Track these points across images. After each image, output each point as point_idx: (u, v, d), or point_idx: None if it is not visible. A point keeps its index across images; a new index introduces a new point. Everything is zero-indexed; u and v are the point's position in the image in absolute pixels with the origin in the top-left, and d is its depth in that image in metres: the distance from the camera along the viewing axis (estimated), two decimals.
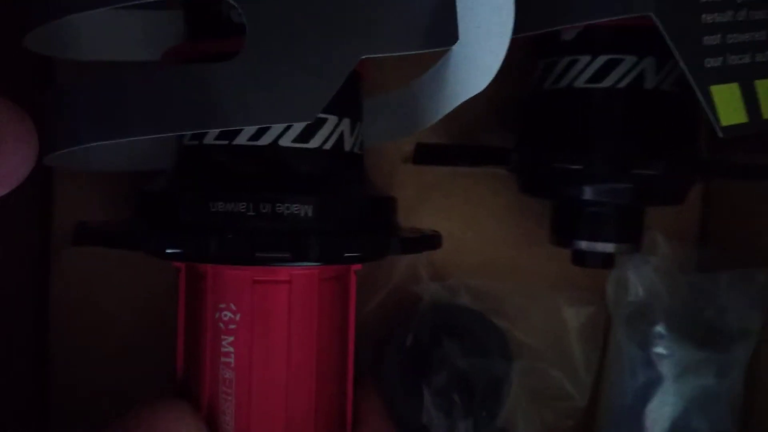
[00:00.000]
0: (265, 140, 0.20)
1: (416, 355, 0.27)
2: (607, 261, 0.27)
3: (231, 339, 0.20)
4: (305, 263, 0.20)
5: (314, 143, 0.20)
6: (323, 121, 0.21)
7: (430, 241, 0.23)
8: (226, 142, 0.20)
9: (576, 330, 0.30)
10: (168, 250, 0.19)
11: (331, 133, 0.21)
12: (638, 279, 0.29)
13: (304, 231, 0.19)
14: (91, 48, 0.23)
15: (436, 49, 0.20)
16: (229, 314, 0.20)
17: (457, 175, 0.30)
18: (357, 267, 0.22)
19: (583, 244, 0.26)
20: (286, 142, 0.20)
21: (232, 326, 0.20)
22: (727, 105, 0.20)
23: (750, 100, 0.20)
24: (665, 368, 0.28)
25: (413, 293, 0.29)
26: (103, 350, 0.27)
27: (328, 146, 0.21)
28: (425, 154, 0.28)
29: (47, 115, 0.19)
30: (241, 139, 0.20)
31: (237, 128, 0.20)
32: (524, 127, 0.27)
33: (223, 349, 0.20)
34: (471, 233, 0.30)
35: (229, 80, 0.18)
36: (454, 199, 0.30)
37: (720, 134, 0.20)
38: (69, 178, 0.27)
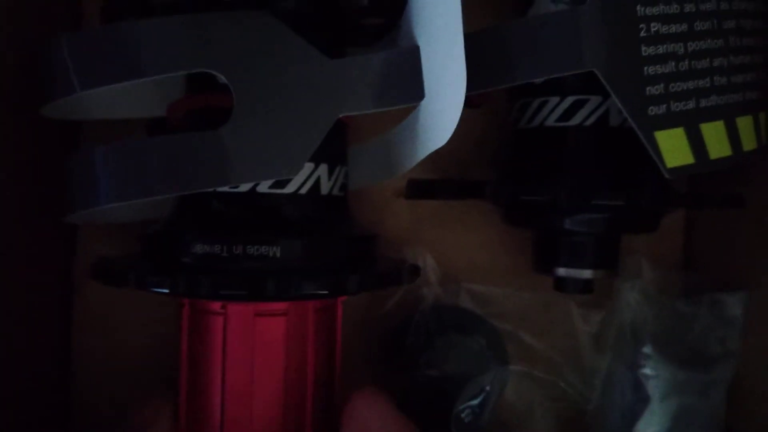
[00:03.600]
0: (244, 187, 0.22)
1: (413, 354, 0.29)
2: (586, 286, 0.28)
3: (209, 365, 0.23)
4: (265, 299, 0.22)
5: (290, 189, 0.23)
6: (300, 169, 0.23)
7: (395, 276, 0.24)
8: (210, 190, 0.23)
9: (586, 333, 0.31)
10: (153, 289, 0.22)
11: (307, 179, 0.23)
12: (626, 304, 0.31)
13: (269, 270, 0.21)
14: (105, 110, 0.26)
15: (406, 106, 0.22)
16: (190, 339, 0.23)
17: (449, 209, 0.32)
18: (316, 305, 0.23)
19: (563, 272, 0.28)
20: (263, 188, 0.22)
21: (207, 354, 0.23)
22: (673, 148, 0.21)
23: (696, 142, 0.22)
24: (652, 388, 0.29)
25: (423, 296, 0.31)
26: (121, 375, 0.30)
27: (303, 191, 0.23)
28: (416, 189, 0.31)
29: (69, 179, 0.22)
30: (223, 187, 0.22)
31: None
32: (503, 163, 0.29)
33: (201, 374, 0.23)
34: (463, 262, 0.32)
35: (221, 145, 0.20)
36: (446, 230, 0.32)
37: (666, 175, 0.22)
38: None
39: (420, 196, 0.31)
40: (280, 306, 0.23)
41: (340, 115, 0.21)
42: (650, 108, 0.21)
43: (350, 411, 0.23)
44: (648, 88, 0.21)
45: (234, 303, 0.22)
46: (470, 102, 0.31)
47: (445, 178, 0.31)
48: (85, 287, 0.30)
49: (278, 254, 0.22)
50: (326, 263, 0.23)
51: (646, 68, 0.21)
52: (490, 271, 0.32)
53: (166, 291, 0.21)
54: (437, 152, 0.31)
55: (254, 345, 0.22)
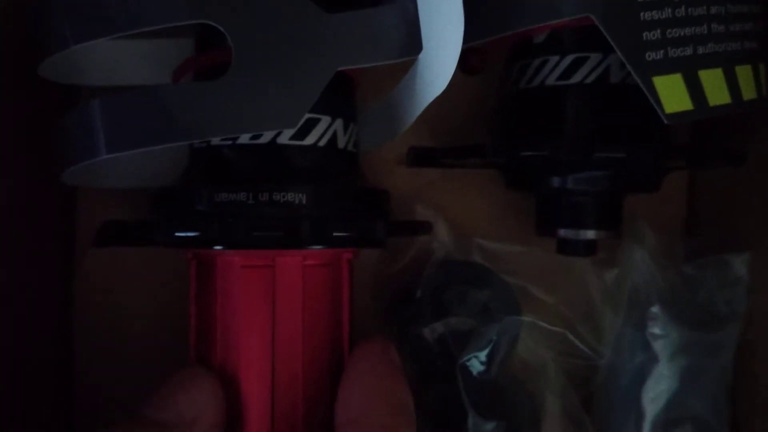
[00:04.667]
0: (265, 139, 0.23)
1: (422, 306, 0.29)
2: (589, 248, 0.28)
3: (229, 319, 0.23)
4: (297, 246, 0.22)
5: (309, 140, 0.23)
6: (317, 120, 0.23)
7: (415, 226, 0.25)
8: (230, 142, 0.23)
9: (599, 290, 0.31)
10: (177, 234, 0.22)
11: (325, 132, 0.23)
12: (634, 265, 0.30)
13: (298, 216, 0.22)
14: (104, 74, 0.26)
15: (404, 59, 0.22)
16: (225, 297, 0.23)
17: (450, 177, 0.32)
18: (348, 255, 0.24)
19: (565, 233, 0.28)
20: (283, 139, 0.23)
21: (229, 308, 0.23)
22: (671, 94, 0.21)
23: (694, 89, 0.22)
24: (660, 348, 0.29)
25: (434, 251, 0.31)
26: (124, 346, 0.30)
27: (322, 143, 0.23)
28: (417, 156, 0.31)
29: (68, 133, 0.22)
30: (244, 139, 0.23)
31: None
32: (503, 126, 0.29)
33: (222, 328, 0.23)
34: (467, 228, 0.32)
35: (220, 95, 0.21)
36: (449, 198, 0.32)
37: (665, 121, 0.22)
38: None
39: (421, 164, 0.31)
40: (327, 255, 0.23)
41: (339, 69, 0.21)
42: (647, 53, 0.21)
43: (356, 354, 0.23)
44: (645, 34, 0.21)
45: (284, 255, 0.22)
46: (471, 68, 0.32)
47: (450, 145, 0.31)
48: (86, 258, 0.30)
49: (304, 201, 0.22)
50: (350, 212, 0.23)
51: (642, 14, 0.21)
52: (494, 238, 0.32)
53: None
54: (435, 120, 0.32)
55: (303, 296, 0.23)
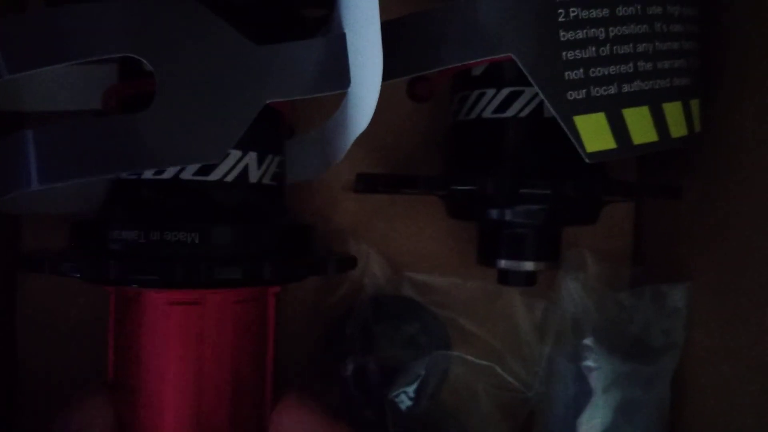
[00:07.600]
0: (168, 174, 0.22)
1: (352, 342, 0.29)
2: (529, 279, 0.28)
3: (131, 354, 0.23)
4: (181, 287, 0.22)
5: (214, 176, 0.23)
6: (224, 156, 0.23)
7: (319, 265, 0.24)
8: (135, 177, 0.23)
9: (530, 323, 0.31)
10: (69, 274, 0.22)
11: (234, 167, 0.23)
12: (568, 295, 0.31)
13: (185, 256, 0.21)
14: (40, 100, 0.26)
15: (332, 93, 0.22)
16: (123, 330, 0.23)
17: (398, 203, 0.32)
18: (275, 290, 0.23)
19: (504, 264, 0.28)
20: (186, 175, 0.22)
21: (128, 342, 0.23)
22: (593, 133, 0.21)
23: (618, 127, 0.22)
24: (594, 381, 0.29)
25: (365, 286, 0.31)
26: (66, 366, 0.30)
27: (230, 178, 0.23)
28: (364, 183, 0.31)
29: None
30: (148, 174, 0.22)
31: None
32: (445, 156, 0.29)
33: (124, 362, 0.23)
34: (412, 255, 0.32)
35: (146, 128, 0.20)
36: (395, 224, 0.32)
37: (586, 160, 0.22)
38: None
39: (368, 190, 0.31)
40: (194, 295, 0.22)
41: (267, 102, 0.21)
42: (569, 93, 0.21)
43: (276, 423, 0.22)
44: (567, 73, 0.21)
45: (149, 290, 0.22)
46: (419, 95, 0.32)
47: (393, 173, 0.31)
48: (29, 282, 0.30)
49: (197, 241, 0.21)
50: (248, 251, 0.22)
51: (564, 53, 0.21)
52: (439, 264, 0.32)
53: (78, 276, 0.22)
54: (386, 147, 0.32)
55: (168, 335, 0.22)
